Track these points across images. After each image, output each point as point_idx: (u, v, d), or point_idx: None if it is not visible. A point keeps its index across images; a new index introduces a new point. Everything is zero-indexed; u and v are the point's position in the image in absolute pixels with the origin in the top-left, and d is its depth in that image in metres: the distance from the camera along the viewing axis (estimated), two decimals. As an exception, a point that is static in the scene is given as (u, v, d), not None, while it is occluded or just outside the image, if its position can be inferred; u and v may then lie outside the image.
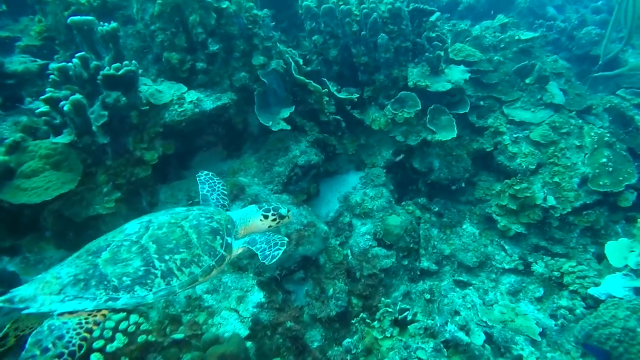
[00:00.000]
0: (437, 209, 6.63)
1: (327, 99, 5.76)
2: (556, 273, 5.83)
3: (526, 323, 5.25)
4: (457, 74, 6.74)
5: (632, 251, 5.30)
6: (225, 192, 3.62)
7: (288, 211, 3.42)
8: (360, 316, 4.19)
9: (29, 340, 2.22)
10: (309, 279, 4.93)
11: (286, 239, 3.06)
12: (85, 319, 2.41)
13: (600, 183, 6.73)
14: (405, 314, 4.09)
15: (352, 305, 4.99)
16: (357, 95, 6.29)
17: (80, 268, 2.52)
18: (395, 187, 7.05)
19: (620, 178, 6.76)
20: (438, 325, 4.18)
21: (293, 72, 5.53)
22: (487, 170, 7.66)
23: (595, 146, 7.02)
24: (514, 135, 7.27)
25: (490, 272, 6.24)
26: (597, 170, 6.80)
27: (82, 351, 2.30)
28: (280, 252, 2.88)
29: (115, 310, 2.82)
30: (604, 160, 6.85)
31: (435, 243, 6.23)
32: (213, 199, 3.52)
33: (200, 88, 4.95)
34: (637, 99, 9.11)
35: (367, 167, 6.80)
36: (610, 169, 6.79)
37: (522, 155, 7.06)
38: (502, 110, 7.55)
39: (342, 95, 6.17)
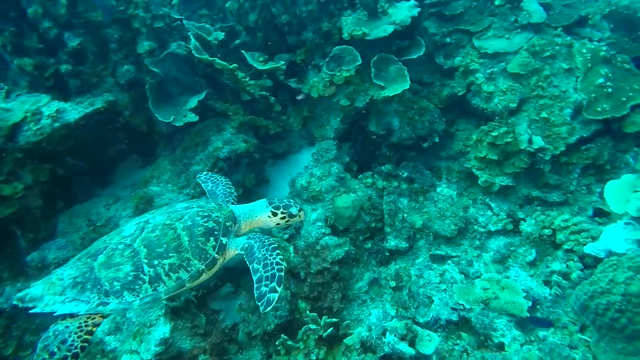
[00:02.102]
0: (405, 174, 5.70)
1: (243, 74, 4.89)
2: (547, 231, 4.86)
3: (512, 298, 4.38)
4: (403, 12, 5.63)
5: (636, 191, 4.24)
6: (230, 184, 3.67)
7: (300, 210, 3.36)
8: (281, 337, 3.49)
9: (39, 345, 2.45)
10: (241, 291, 4.26)
11: (284, 265, 2.90)
12: (85, 321, 2.54)
13: (599, 109, 5.55)
14: (330, 330, 3.35)
15: (299, 311, 4.30)
16: (283, 63, 5.35)
17: (79, 270, 2.63)
18: (357, 156, 6.16)
19: (624, 98, 5.54)
20: (374, 337, 3.42)
21: (194, 52, 4.68)
22: (465, 117, 6.60)
23: (589, 65, 5.78)
24: (488, 71, 6.12)
25: (474, 239, 5.33)
26: (593, 95, 5.61)
27: (85, 352, 2.48)
28: (276, 295, 2.71)
29: (105, 316, 2.75)
30: (601, 80, 5.63)
31: (405, 215, 5.36)
32: (220, 192, 3.54)
33: (80, 95, 4.22)
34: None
35: (317, 141, 5.95)
36: (610, 89, 5.58)
37: (499, 93, 5.95)
38: (473, 43, 6.37)
39: (266, 67, 5.27)
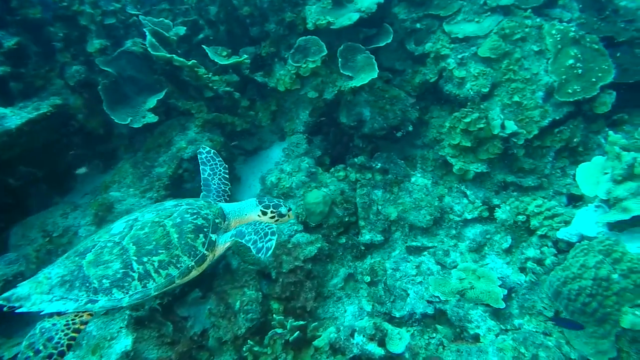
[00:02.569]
0: (379, 165, 5.58)
1: (204, 71, 4.70)
2: (521, 217, 4.80)
3: (488, 287, 4.33)
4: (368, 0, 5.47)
5: (606, 173, 4.20)
6: (227, 176, 3.66)
7: (289, 210, 3.39)
8: (248, 343, 3.37)
9: (24, 342, 2.39)
10: (210, 295, 4.12)
11: (275, 226, 3.01)
12: (72, 319, 2.52)
13: (569, 91, 5.49)
14: (296, 334, 3.24)
15: (271, 313, 4.18)
16: (247, 57, 5.17)
17: (67, 269, 2.61)
18: (330, 149, 6.03)
19: (593, 79, 5.49)
20: (343, 338, 3.32)
21: (150, 49, 4.47)
22: (439, 104, 6.50)
23: (559, 46, 5.70)
24: (459, 56, 6.01)
25: (450, 228, 5.27)
26: (564, 77, 5.55)
27: (71, 350, 2.46)
28: (273, 242, 2.83)
29: (93, 314, 2.72)
30: (571, 61, 5.56)
31: (380, 207, 5.26)
32: (214, 185, 3.55)
33: (25, 99, 3.99)
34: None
35: (287, 136, 5.79)
36: (580, 70, 5.52)
37: (471, 78, 5.84)
38: (443, 28, 6.24)
39: (229, 61, 5.08)
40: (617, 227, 3.86)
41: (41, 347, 2.38)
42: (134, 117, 4.33)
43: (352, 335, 3.44)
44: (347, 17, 5.16)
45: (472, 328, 4.02)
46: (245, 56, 5.14)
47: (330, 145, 6.04)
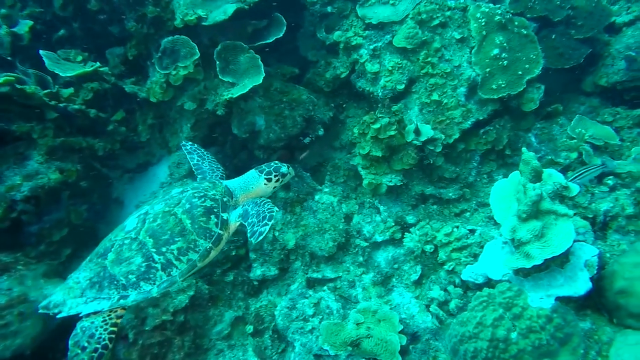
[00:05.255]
0: (282, 181, 4.82)
1: (34, 88, 3.77)
2: (429, 247, 4.14)
3: (387, 335, 3.70)
4: (254, -16, 4.51)
5: (518, 199, 3.50)
6: (215, 160, 3.83)
7: (288, 167, 3.57)
8: None
9: (70, 342, 2.61)
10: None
11: (275, 208, 3.13)
12: (109, 315, 2.69)
13: (494, 87, 4.76)
14: None
15: (127, 384, 3.51)
16: (99, 65, 4.23)
17: (93, 271, 2.76)
18: (227, 162, 5.21)
19: (520, 72, 4.76)
20: None
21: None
22: (356, 100, 5.70)
23: (484, 33, 4.90)
24: (372, 47, 5.16)
25: (357, 254, 4.59)
26: (488, 69, 4.79)
27: (113, 343, 2.64)
28: (268, 227, 2.96)
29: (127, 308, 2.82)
30: (496, 51, 4.79)
31: (277, 233, 4.54)
32: (206, 167, 3.67)
33: None
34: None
35: (172, 152, 4.95)
36: (505, 62, 4.76)
37: (385, 72, 5.02)
38: (356, 12, 5.34)
39: (75, 72, 4.14)
40: (522, 270, 3.22)
41: (86, 344, 2.56)
42: None
43: None
44: (222, 11, 4.22)
45: (357, 396, 3.43)
46: (97, 64, 4.19)
47: (227, 158, 5.22)
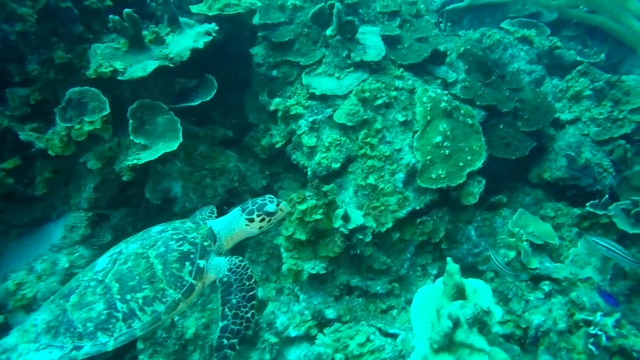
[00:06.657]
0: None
1: None
2: (339, 356, 3.62)
3: None
4: (184, 42, 4.17)
5: (439, 314, 3.06)
6: None
7: (278, 205, 3.11)
8: None
9: None
10: None
11: (253, 322, 2.76)
12: None
13: (433, 176, 4.43)
14: None
15: None
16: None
17: (52, 314, 2.51)
18: (141, 227, 4.64)
19: (461, 163, 4.47)
20: None
21: None
22: (293, 171, 5.32)
23: (429, 118, 4.65)
24: (311, 119, 4.84)
25: (264, 351, 4.01)
26: (429, 157, 4.49)
27: None
28: (233, 354, 2.66)
29: None
30: (439, 139, 4.52)
31: (176, 317, 3.93)
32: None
33: None
34: (522, 31, 6.83)
35: (70, 211, 4.37)
36: (447, 151, 4.48)
37: (322, 148, 4.68)
38: (302, 79, 5.06)
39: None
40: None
41: None
42: None
43: None
44: (142, 67, 3.83)
45: None
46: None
47: (140, 221, 4.66)
